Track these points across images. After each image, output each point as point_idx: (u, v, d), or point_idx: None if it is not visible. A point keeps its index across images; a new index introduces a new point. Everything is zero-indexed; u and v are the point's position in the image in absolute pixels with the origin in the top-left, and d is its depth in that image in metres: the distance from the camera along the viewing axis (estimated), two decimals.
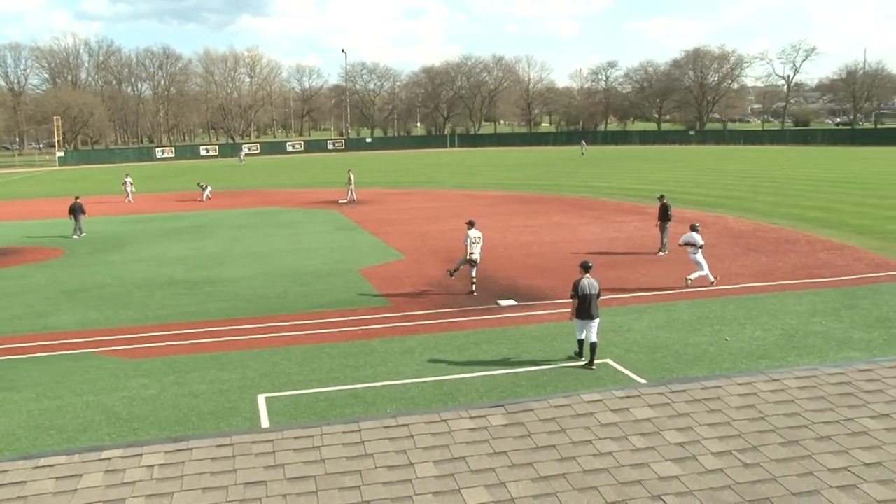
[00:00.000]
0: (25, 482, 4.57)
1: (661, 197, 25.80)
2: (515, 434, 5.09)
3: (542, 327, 16.74)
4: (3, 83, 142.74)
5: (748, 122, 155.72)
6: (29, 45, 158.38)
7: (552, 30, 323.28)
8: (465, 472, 4.63)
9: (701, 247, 20.44)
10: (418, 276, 22.44)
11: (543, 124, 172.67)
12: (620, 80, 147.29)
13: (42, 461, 4.80)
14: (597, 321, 14.14)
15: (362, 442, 4.97)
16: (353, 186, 44.37)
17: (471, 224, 20.45)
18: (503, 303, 19.05)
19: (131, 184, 48.52)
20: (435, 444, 4.94)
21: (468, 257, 19.96)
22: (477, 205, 40.41)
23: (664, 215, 25.12)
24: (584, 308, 14.03)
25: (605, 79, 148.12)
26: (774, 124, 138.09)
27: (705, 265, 20.41)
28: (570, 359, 14.63)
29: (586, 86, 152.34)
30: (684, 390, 5.65)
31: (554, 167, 67.04)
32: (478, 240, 20.16)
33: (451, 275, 20.88)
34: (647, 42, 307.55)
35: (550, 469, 4.66)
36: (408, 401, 12.71)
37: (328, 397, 13.01)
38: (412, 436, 5.04)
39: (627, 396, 5.59)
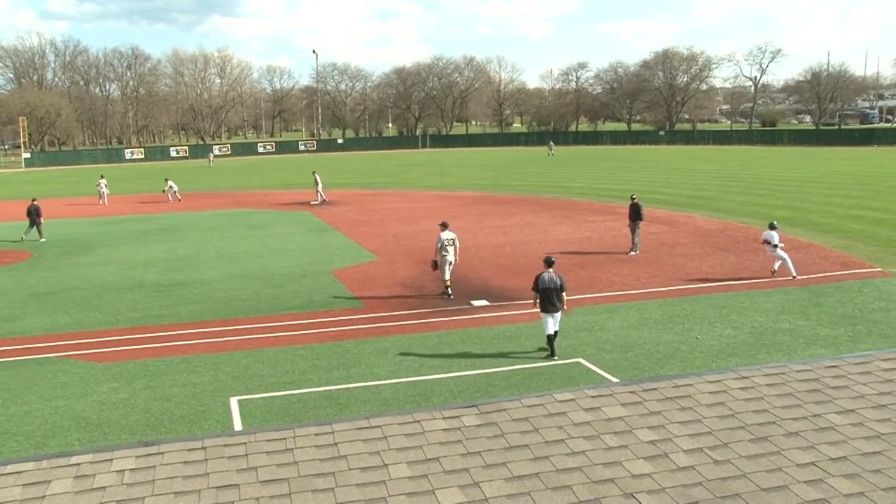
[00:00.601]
0: None
1: (633, 197, 26.00)
2: (489, 434, 5.10)
3: (515, 327, 16.81)
4: None
5: (717, 122, 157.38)
6: None
7: (524, 31, 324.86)
8: (438, 473, 4.64)
9: (776, 246, 20.99)
10: (391, 277, 22.41)
11: (515, 125, 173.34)
12: (591, 80, 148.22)
13: (9, 468, 4.72)
14: (559, 313, 14.84)
15: (335, 444, 4.96)
16: (320, 188, 44.23)
17: (444, 226, 20.28)
18: (476, 303, 19.08)
19: (105, 186, 47.86)
20: (408, 445, 4.94)
21: (437, 258, 19.75)
22: (449, 205, 40.45)
23: (635, 215, 25.31)
24: (547, 301, 14.70)
25: (575, 80, 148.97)
26: (742, 125, 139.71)
27: (788, 259, 20.99)
28: (540, 350, 15.15)
29: (557, 86, 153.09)
30: (656, 388, 5.71)
31: (525, 167, 67.30)
32: (452, 242, 19.95)
33: (450, 295, 19.84)
34: (617, 43, 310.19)
35: (524, 468, 4.68)
36: (381, 402, 12.70)
37: (301, 399, 12.95)
38: (385, 437, 5.04)
39: (600, 395, 5.63)
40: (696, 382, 5.80)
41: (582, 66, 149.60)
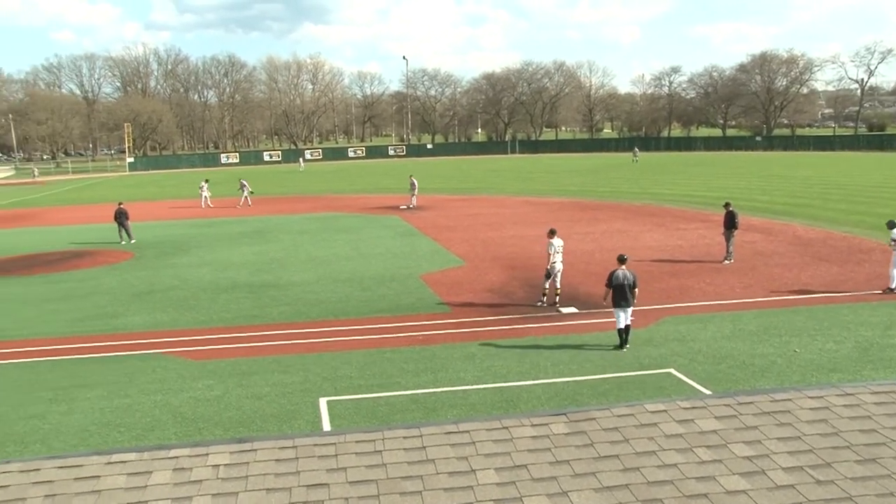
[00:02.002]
0: (99, 476, 4.70)
1: (727, 204, 25.22)
2: (578, 443, 5.02)
3: (604, 335, 16.54)
4: (78, 92, 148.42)
5: (819, 127, 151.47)
6: (102, 55, 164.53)
7: (613, 35, 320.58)
8: (526, 480, 4.59)
9: None
10: (479, 283, 22.41)
11: (605, 130, 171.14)
12: (684, 85, 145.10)
13: (114, 457, 4.92)
14: (630, 309, 15.55)
15: (424, 447, 4.97)
16: (416, 192, 44.56)
17: (553, 233, 19.61)
18: (564, 310, 18.89)
19: (207, 189, 49.52)
20: (496, 452, 4.91)
21: (549, 266, 19.25)
22: (537, 211, 40.22)
23: (730, 223, 24.55)
24: (620, 296, 15.39)
25: (668, 84, 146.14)
26: (848, 129, 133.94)
27: None
28: (614, 347, 15.67)
29: (649, 91, 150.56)
30: (752, 402, 5.50)
31: (614, 173, 66.33)
32: (560, 248, 19.49)
33: (544, 304, 19.37)
34: (711, 46, 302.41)
35: (613, 479, 4.58)
36: (468, 407, 12.69)
37: (389, 402, 13.08)
38: (473, 442, 5.02)
39: (693, 407, 5.46)
40: (796, 398, 5.55)
41: (675, 70, 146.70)
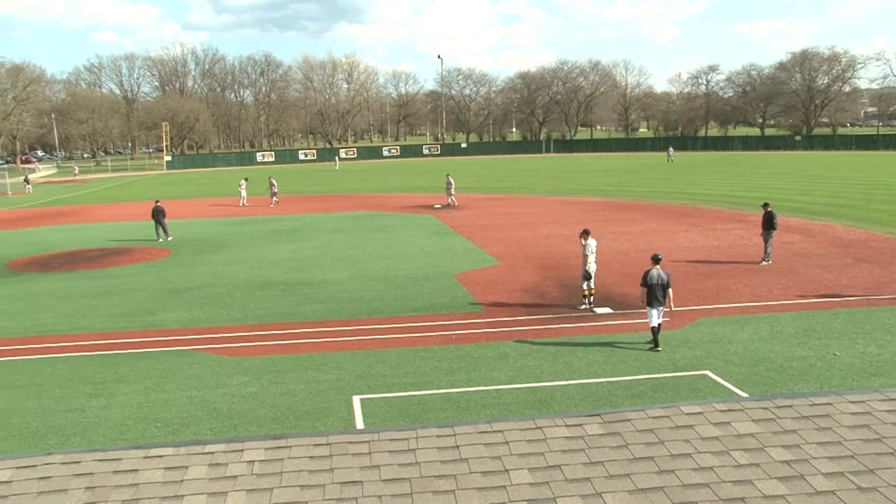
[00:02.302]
0: (137, 470, 4.77)
1: (766, 205, 24.84)
2: (612, 444, 4.98)
3: (638, 336, 16.40)
4: (118, 91, 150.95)
5: (861, 126, 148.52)
6: (142, 55, 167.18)
7: (650, 34, 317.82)
8: (560, 481, 4.57)
9: None
10: (513, 282, 22.36)
11: (641, 130, 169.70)
12: (722, 84, 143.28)
13: (152, 451, 4.99)
14: (663, 308, 15.67)
15: (457, 446, 4.96)
16: (453, 191, 44.49)
17: (588, 233, 19.41)
18: (599, 310, 18.76)
19: (245, 188, 50.00)
20: (530, 452, 4.89)
21: (588, 268, 18.97)
22: (571, 211, 40.02)
23: (768, 223, 24.19)
24: (654, 296, 15.48)
25: (705, 83, 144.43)
26: (892, 129, 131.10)
27: None
28: (648, 345, 15.73)
29: (686, 90, 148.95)
30: (790, 406, 5.41)
31: (650, 173, 65.75)
32: (594, 249, 19.29)
33: (588, 306, 19.06)
34: (750, 45, 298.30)
35: (648, 481, 4.54)
36: (501, 407, 12.67)
37: (422, 400, 13.10)
38: (507, 442, 5.00)
39: (729, 410, 5.39)
40: (837, 402, 5.45)
41: (712, 68, 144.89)
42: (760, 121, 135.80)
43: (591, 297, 19.13)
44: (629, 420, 5.29)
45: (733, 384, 13.41)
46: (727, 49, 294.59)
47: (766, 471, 4.59)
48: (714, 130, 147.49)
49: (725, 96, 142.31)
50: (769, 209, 24.45)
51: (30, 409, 13.22)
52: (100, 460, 4.90)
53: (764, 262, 23.99)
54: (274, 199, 48.56)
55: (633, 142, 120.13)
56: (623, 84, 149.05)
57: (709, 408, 5.43)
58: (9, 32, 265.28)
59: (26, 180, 72.57)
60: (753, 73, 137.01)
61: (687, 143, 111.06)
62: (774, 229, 24.24)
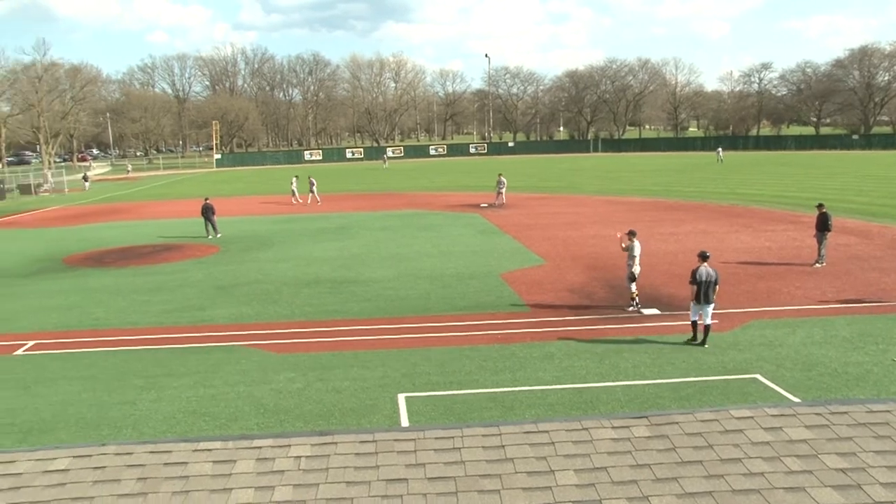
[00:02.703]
0: (187, 463, 4.86)
1: (820, 205, 24.26)
2: (659, 447, 4.91)
3: (686, 337, 16.16)
4: (170, 91, 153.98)
5: None
6: (193, 55, 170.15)
7: (701, 31, 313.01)
8: (606, 483, 4.52)
9: None
10: (559, 282, 22.22)
11: (691, 129, 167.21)
12: (775, 82, 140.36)
13: (201, 445, 5.08)
14: (711, 305, 15.63)
15: (503, 446, 4.95)
16: (503, 189, 44.27)
17: (634, 234, 19.14)
18: (646, 311, 18.54)
19: (296, 185, 50.47)
20: (576, 453, 4.85)
21: (635, 270, 18.71)
22: (619, 211, 39.63)
23: (823, 224, 23.62)
24: (702, 293, 15.51)
25: (758, 81, 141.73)
26: None
27: None
28: (687, 342, 15.86)
29: (737, 89, 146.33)
30: (846, 412, 5.27)
31: (700, 173, 64.75)
32: (640, 251, 18.96)
33: (639, 310, 18.79)
34: (805, 41, 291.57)
35: (696, 486, 4.47)
36: (546, 407, 12.60)
37: (466, 399, 13.09)
38: (553, 442, 4.97)
39: (781, 415, 5.28)
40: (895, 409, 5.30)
41: (765, 66, 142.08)
42: (815, 119, 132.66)
43: (634, 299, 18.91)
44: (677, 423, 5.21)
45: (785, 389, 13.13)
46: (780, 46, 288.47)
47: (821, 478, 4.48)
48: (766, 130, 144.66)
49: (779, 94, 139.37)
50: (824, 210, 23.89)
51: (85, 400, 13.55)
52: (151, 452, 5.00)
53: (818, 265, 23.45)
54: (312, 197, 48.91)
55: (682, 141, 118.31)
56: (672, 82, 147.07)
57: (759, 412, 5.32)
58: (68, 35, 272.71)
59: (85, 178, 74.35)
60: (808, 70, 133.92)
61: (738, 142, 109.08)
62: (829, 231, 23.67)
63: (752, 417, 5.25)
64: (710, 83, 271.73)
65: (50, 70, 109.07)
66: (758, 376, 13.77)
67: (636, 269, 18.67)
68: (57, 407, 13.29)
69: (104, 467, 4.85)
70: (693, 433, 5.07)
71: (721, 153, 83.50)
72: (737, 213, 37.04)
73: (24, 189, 67.77)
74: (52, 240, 35.54)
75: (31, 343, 17.54)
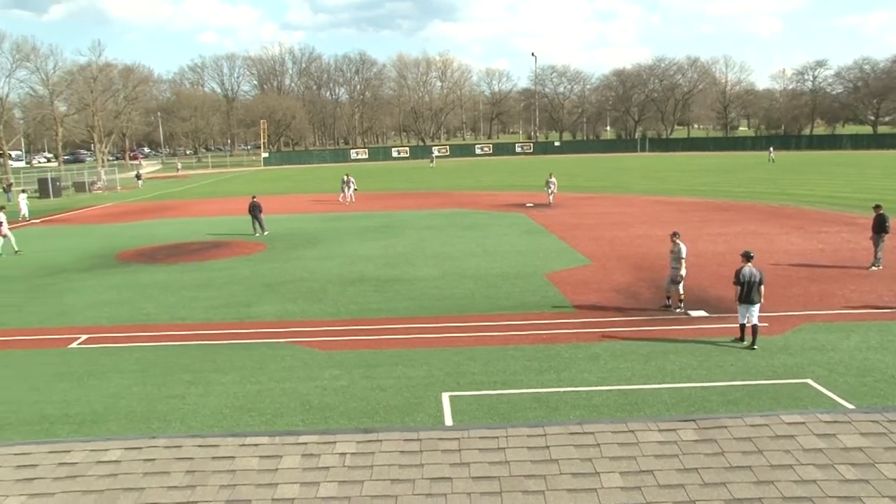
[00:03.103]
0: (234, 457, 4.92)
1: (878, 206, 23.61)
2: (707, 451, 4.84)
3: (733, 337, 15.87)
4: (219, 90, 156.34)
5: None
6: (242, 54, 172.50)
7: (752, 29, 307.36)
8: (652, 487, 4.46)
9: None
10: (605, 283, 22.03)
11: (741, 128, 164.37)
12: (830, 79, 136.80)
13: (248, 440, 5.14)
14: (757, 306, 15.43)
15: (547, 447, 4.91)
16: (555, 189, 44.01)
17: (678, 235, 18.85)
18: (693, 313, 18.28)
19: (345, 183, 50.21)
20: (622, 455, 4.80)
21: (681, 274, 18.36)
22: (666, 211, 39.13)
23: (880, 226, 22.98)
24: (746, 294, 15.35)
25: (811, 79, 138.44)
26: None
27: None
28: (734, 341, 15.82)
29: (790, 87, 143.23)
30: None
31: (750, 173, 63.61)
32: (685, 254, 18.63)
33: (683, 309, 18.53)
34: (862, 38, 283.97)
35: (745, 491, 4.39)
36: (591, 408, 12.50)
37: (510, 399, 13.05)
38: (598, 444, 4.92)
39: (834, 421, 5.15)
40: None
41: (820, 63, 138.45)
42: (873, 118, 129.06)
43: (682, 301, 18.64)
44: (725, 427, 5.13)
45: (838, 395, 12.82)
46: (835, 43, 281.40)
47: (877, 488, 4.36)
48: (820, 129, 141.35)
49: (834, 93, 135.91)
50: (881, 211, 23.26)
51: (135, 393, 13.84)
52: (199, 446, 5.08)
53: (874, 268, 22.85)
54: (349, 195, 49.00)
55: (731, 141, 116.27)
56: (722, 81, 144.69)
57: (812, 418, 5.20)
58: (123, 36, 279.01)
59: (138, 176, 75.95)
60: (867, 67, 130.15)
61: (790, 142, 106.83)
62: (886, 233, 23.04)
63: (803, 423, 5.14)
64: (762, 81, 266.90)
65: (104, 70, 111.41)
66: (809, 381, 13.47)
67: (682, 272, 18.37)
68: (108, 399, 13.60)
69: (154, 459, 4.94)
70: (742, 438, 4.98)
71: (773, 153, 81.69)
72: (788, 214, 36.30)
73: (79, 187, 69.25)
74: (105, 236, 36.39)
75: (84, 337, 17.96)
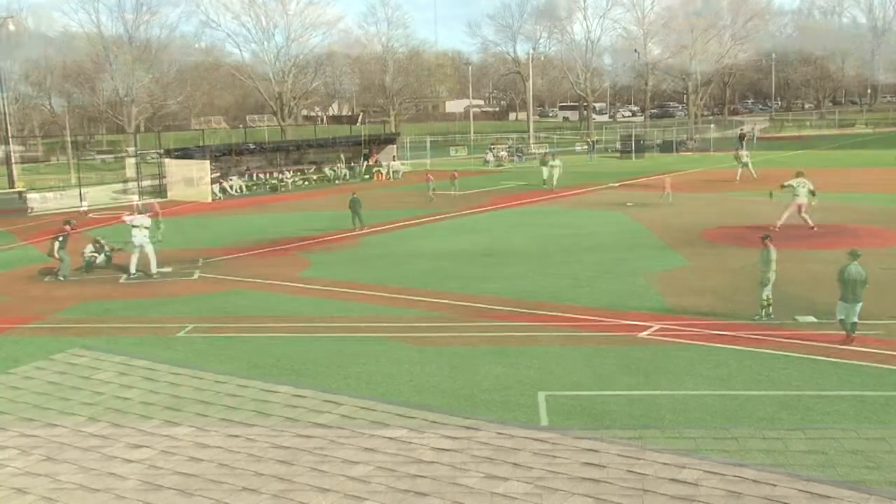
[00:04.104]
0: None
1: None
2: (815, 462, 4.64)
3: (847, 350, 15.05)
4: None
5: None
6: None
7: None
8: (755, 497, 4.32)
9: None
10: (703, 284, 21.35)
11: None
12: None
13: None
14: (859, 305, 15.22)
15: (643, 449, 4.83)
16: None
17: (769, 237, 18.02)
18: (801, 318, 17.50)
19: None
20: (723, 462, 4.66)
21: (769, 276, 17.49)
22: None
23: None
24: (848, 292, 15.22)
25: None
26: None
27: None
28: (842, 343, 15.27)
29: None
30: None
31: None
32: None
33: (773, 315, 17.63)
34: None
35: None
36: (688, 413, 12.19)
37: (605, 401, 12.89)
38: (699, 450, 4.80)
39: None
40: None
41: None
42: None
43: (765, 308, 17.71)
44: (836, 438, 4.92)
45: None
46: None
47: None
48: None
49: None
50: None
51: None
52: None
53: None
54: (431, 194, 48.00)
55: None
56: None
57: None
58: None
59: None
60: None
61: None
62: None
63: None
64: None
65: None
66: None
67: (771, 276, 17.51)
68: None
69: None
70: (853, 451, 4.77)
71: None
72: None
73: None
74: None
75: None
